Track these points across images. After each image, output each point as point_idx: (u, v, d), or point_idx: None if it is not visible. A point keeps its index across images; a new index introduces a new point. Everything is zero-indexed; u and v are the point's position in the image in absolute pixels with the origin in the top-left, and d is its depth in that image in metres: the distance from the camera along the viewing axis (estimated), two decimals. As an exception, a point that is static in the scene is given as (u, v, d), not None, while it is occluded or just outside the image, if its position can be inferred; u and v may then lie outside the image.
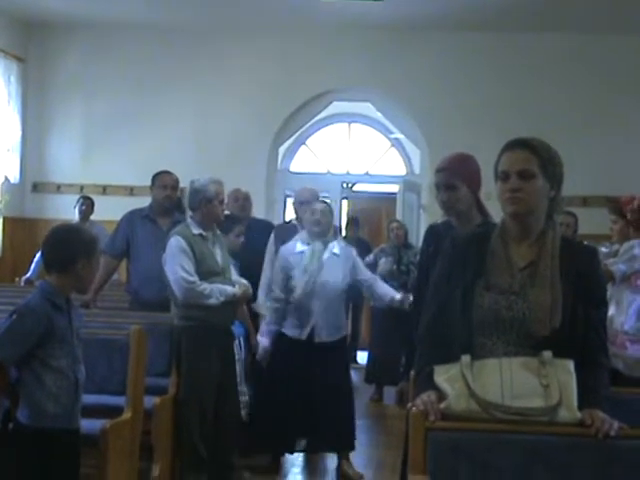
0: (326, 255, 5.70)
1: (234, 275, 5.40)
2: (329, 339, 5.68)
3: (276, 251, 6.50)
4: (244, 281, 5.40)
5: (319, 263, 5.65)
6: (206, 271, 5.11)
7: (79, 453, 3.56)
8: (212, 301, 5.06)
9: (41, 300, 3.42)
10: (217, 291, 5.09)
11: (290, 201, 10.64)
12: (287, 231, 6.61)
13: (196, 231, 5.17)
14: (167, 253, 5.17)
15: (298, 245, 5.77)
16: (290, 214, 10.02)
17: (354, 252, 5.97)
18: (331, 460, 6.12)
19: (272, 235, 6.59)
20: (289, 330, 5.73)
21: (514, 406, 2.48)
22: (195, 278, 5.05)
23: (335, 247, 5.77)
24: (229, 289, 5.17)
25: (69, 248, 3.46)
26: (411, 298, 4.78)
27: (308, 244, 5.73)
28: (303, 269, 5.64)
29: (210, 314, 5.08)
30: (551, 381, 2.49)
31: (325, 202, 6.05)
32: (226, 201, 5.46)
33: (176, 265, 5.07)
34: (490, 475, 2.46)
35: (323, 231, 5.73)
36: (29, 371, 3.36)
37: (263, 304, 6.38)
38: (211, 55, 10.22)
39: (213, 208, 5.21)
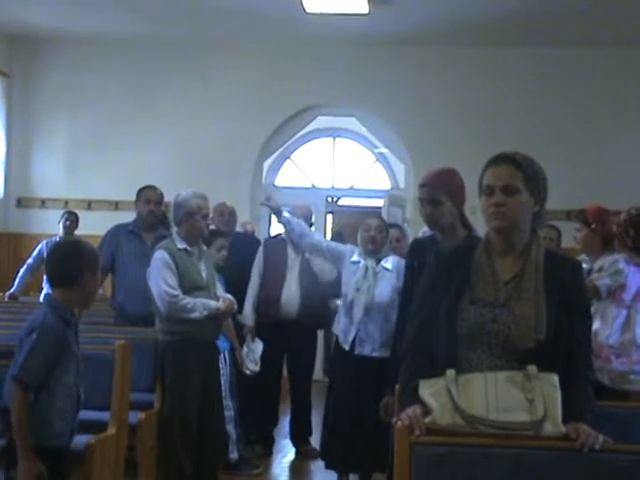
0: (377, 269, 5.43)
1: (219, 290, 5.40)
2: (373, 354, 5.29)
3: (264, 264, 6.51)
4: (229, 296, 5.39)
5: (370, 281, 5.37)
6: (190, 286, 5.10)
7: (71, 470, 3.57)
8: (195, 315, 5.05)
9: (55, 317, 3.39)
10: (200, 305, 5.07)
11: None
12: (276, 245, 6.63)
13: (181, 245, 5.16)
14: (151, 267, 5.17)
15: (355, 256, 5.54)
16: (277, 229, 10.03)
17: None
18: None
19: (260, 249, 6.62)
20: (339, 333, 5.51)
21: (499, 420, 2.48)
22: (178, 292, 5.04)
23: (388, 262, 5.47)
24: (212, 303, 5.16)
25: (74, 263, 3.45)
26: None
27: (364, 259, 5.46)
28: (355, 285, 5.38)
29: (194, 328, 5.07)
30: (536, 395, 2.50)
31: (380, 218, 5.74)
32: (211, 215, 5.45)
33: (159, 279, 5.07)
34: (475, 489, 2.46)
35: (377, 249, 5.47)
36: (43, 389, 3.33)
37: (249, 315, 6.39)
38: (196, 69, 10.19)
39: (195, 222, 5.20)
